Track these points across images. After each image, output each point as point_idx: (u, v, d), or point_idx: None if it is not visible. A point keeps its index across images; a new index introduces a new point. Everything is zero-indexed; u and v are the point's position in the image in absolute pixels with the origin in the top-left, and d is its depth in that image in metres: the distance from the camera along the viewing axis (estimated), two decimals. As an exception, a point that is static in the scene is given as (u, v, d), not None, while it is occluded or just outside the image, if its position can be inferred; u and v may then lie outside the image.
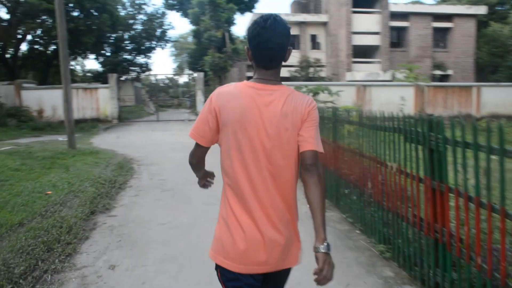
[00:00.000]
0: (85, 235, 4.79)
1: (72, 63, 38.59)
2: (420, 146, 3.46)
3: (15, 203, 5.75)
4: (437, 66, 29.80)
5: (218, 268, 1.84)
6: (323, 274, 1.63)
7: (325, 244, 1.68)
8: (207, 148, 1.92)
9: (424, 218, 3.36)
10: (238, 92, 1.80)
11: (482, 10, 30.31)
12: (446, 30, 30.58)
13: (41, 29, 23.29)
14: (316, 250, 1.67)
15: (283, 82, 1.85)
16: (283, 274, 1.96)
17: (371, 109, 17.38)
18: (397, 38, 30.52)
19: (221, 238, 1.82)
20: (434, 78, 28.06)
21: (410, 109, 19.38)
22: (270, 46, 1.77)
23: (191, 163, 2.03)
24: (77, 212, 5.44)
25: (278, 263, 1.82)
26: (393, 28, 29.63)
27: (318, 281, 1.64)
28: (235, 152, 1.79)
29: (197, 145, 1.90)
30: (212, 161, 2.47)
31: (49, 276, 3.66)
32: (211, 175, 2.22)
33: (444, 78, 29.38)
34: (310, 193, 1.77)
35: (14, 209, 5.49)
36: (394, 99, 18.60)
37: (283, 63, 1.86)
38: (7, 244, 4.26)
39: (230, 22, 30.13)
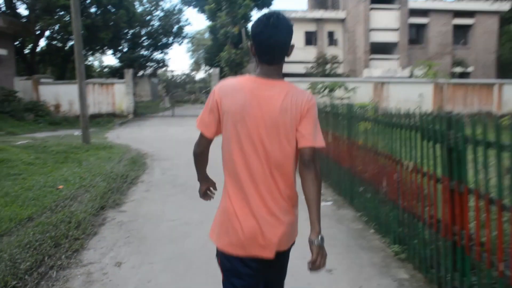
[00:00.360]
0: (94, 230, 4.73)
1: (90, 58, 39.03)
2: (438, 145, 3.29)
3: (26, 197, 5.74)
4: (457, 63, 29.14)
5: (218, 254, 1.95)
6: (316, 264, 1.80)
7: (320, 237, 1.81)
8: (211, 140, 1.99)
9: (442, 219, 3.20)
10: (240, 85, 1.87)
11: (505, 6, 29.49)
12: (467, 27, 29.85)
13: (58, 25, 23.45)
14: (311, 243, 1.80)
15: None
16: (285, 257, 2.07)
17: (389, 106, 17.09)
18: (416, 35, 29.95)
19: (221, 224, 1.92)
20: (454, 75, 27.46)
21: (428, 106, 18.97)
22: (273, 43, 1.84)
23: (195, 153, 2.08)
24: (87, 207, 5.40)
25: (277, 248, 1.88)
26: (412, 25, 29.08)
27: (312, 269, 1.82)
28: (235, 143, 1.86)
29: (201, 135, 1.98)
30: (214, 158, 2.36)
31: (55, 273, 3.61)
32: (212, 184, 2.28)
33: (464, 75, 28.70)
34: (307, 188, 1.86)
35: (25, 203, 5.48)
36: (412, 96, 18.26)
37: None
38: (15, 238, 4.22)
39: (246, 18, 29.95)
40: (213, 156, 2.16)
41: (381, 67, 28.18)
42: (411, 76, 25.56)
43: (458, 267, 3.01)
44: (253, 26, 1.88)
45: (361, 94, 17.38)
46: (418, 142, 3.64)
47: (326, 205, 5.70)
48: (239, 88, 1.86)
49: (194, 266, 3.73)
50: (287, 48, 1.89)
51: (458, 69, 28.77)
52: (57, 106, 20.83)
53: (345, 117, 5.90)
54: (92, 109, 20.96)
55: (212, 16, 28.92)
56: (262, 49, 1.86)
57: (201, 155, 2.08)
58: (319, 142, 1.87)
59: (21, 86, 20.61)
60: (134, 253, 4.09)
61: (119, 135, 14.94)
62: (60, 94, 20.70)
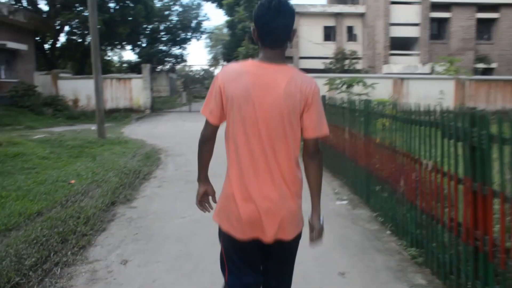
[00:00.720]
0: (102, 226, 4.66)
1: (109, 54, 39.34)
2: (460, 143, 3.08)
3: (38, 192, 5.72)
4: (480, 59, 28.32)
5: (221, 234, 2.01)
6: (316, 240, 2.06)
7: (321, 218, 2.04)
8: (216, 127, 1.98)
9: (463, 223, 2.99)
10: (243, 70, 1.88)
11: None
12: (491, 21, 28.95)
13: (77, 20, 23.64)
14: (312, 223, 2.04)
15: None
16: (287, 249, 2.03)
17: (408, 103, 16.70)
18: (438, 30, 29.23)
19: (223, 208, 1.96)
20: (477, 71, 26.74)
21: (449, 103, 18.48)
22: (274, 26, 1.84)
23: (200, 141, 2.05)
24: (97, 203, 5.33)
25: (276, 234, 1.90)
26: (433, 20, 28.40)
27: (311, 244, 2.06)
28: (238, 128, 1.86)
29: (206, 122, 1.97)
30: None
31: (59, 270, 3.53)
32: (212, 191, 2.20)
33: (487, 71, 27.88)
34: (310, 175, 1.99)
35: (36, 198, 5.45)
36: (433, 93, 17.79)
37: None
38: (22, 233, 4.17)
39: (264, 13, 29.64)
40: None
41: (401, 63, 27.69)
42: (431, 72, 25.02)
43: (480, 274, 2.80)
44: (255, 10, 1.89)
45: (380, 90, 16.97)
46: (438, 140, 3.43)
47: (341, 204, 5.51)
48: (242, 73, 1.86)
49: (200, 266, 3.60)
50: (289, 32, 1.89)
51: (481, 65, 27.96)
52: (76, 101, 21.02)
53: (362, 113, 5.69)
54: (109, 104, 21.12)
55: (230, 11, 28.84)
56: (264, 33, 1.87)
57: (207, 143, 2.04)
58: (324, 130, 1.92)
59: (41, 80, 20.86)
60: (141, 251, 3.99)
61: (135, 130, 14.97)
62: (78, 89, 20.86)
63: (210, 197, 2.22)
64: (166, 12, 37.80)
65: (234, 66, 1.92)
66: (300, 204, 1.97)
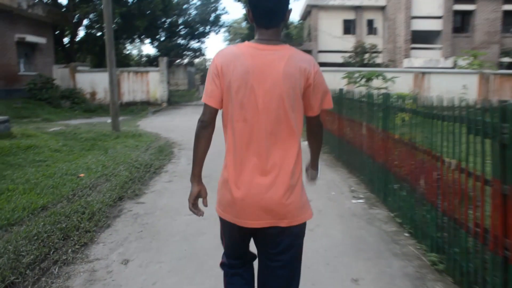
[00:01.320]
0: (107, 223, 4.50)
1: (129, 47, 39.50)
2: (488, 140, 2.79)
3: (45, 185, 5.60)
4: (506, 52, 27.36)
5: (221, 221, 2.03)
6: (309, 183, 2.28)
7: (317, 170, 2.29)
8: (216, 111, 1.89)
9: (490, 229, 2.71)
10: (240, 52, 1.82)
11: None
12: (518, 13, 27.99)
13: (94, 13, 23.69)
14: (308, 171, 2.29)
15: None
16: (284, 238, 1.89)
17: (430, 96, 16.22)
18: (461, 23, 28.37)
19: (219, 192, 1.96)
20: (502, 65, 25.87)
21: (472, 98, 17.90)
22: (269, 5, 1.79)
23: (199, 128, 1.92)
24: (104, 197, 5.19)
25: (269, 220, 1.83)
26: (457, 12, 27.58)
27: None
28: (237, 111, 1.81)
29: (205, 106, 1.89)
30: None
31: (57, 268, 3.37)
32: (204, 192, 2.07)
33: (513, 65, 27.00)
34: (311, 142, 2.14)
35: (43, 192, 5.33)
36: (455, 87, 17.25)
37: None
38: (24, 229, 4.03)
39: (283, 6, 29.30)
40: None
41: (422, 57, 26.99)
42: (454, 66, 24.29)
43: (510, 287, 2.52)
44: None
45: (400, 84, 16.49)
46: (463, 136, 3.13)
47: (357, 202, 5.24)
48: (239, 55, 1.80)
49: (205, 268, 3.40)
50: (284, 11, 1.84)
51: (507, 59, 27.03)
52: (93, 94, 21.11)
53: (380, 107, 5.39)
54: (126, 97, 21.17)
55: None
56: (258, 13, 1.82)
57: (206, 129, 1.91)
58: (326, 104, 1.94)
59: (59, 74, 21.01)
60: (144, 250, 3.80)
61: (151, 123, 14.88)
62: (96, 82, 20.93)
63: (201, 200, 2.05)
64: (185, 6, 37.64)
65: (230, 49, 1.86)
66: (298, 192, 1.87)
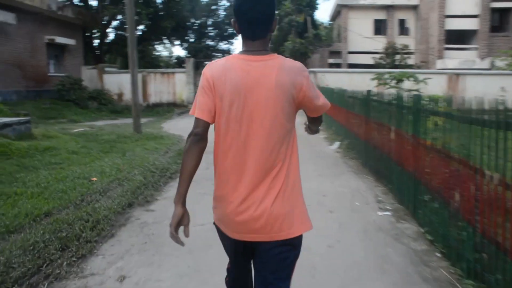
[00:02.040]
0: (111, 232, 4.22)
1: (159, 48, 39.81)
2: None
3: (55, 189, 5.39)
4: (548, 53, 26.00)
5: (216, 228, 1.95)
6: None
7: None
8: (208, 125, 1.79)
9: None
10: (230, 64, 1.77)
11: None
12: (561, 11, 26.53)
13: (122, 15, 23.85)
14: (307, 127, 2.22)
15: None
16: (278, 252, 1.78)
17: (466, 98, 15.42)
18: (499, 22, 27.11)
19: (214, 203, 1.89)
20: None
21: (511, 101, 16.96)
22: (254, 16, 1.75)
23: (191, 142, 1.77)
24: (113, 204, 4.92)
25: (259, 233, 1.76)
26: (494, 10, 26.41)
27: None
28: (230, 124, 1.75)
29: (197, 120, 1.78)
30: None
31: (47, 285, 3.09)
32: (187, 217, 1.85)
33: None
34: (311, 126, 2.17)
35: (51, 196, 5.11)
36: (493, 89, 16.34)
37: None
38: (22, 237, 3.78)
39: (312, 6, 28.95)
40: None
41: (456, 58, 25.94)
42: (491, 67, 23.21)
43: None
44: (234, 1, 1.80)
45: (433, 86, 15.73)
46: (509, 145, 2.67)
47: (383, 215, 4.78)
48: (229, 67, 1.76)
49: (208, 287, 3.05)
50: (270, 22, 1.80)
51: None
52: (120, 95, 21.19)
53: (410, 110, 4.92)
54: (153, 99, 21.18)
55: (276, 4, 28.24)
56: (243, 24, 1.79)
57: (199, 143, 1.77)
58: (325, 107, 1.92)
59: (88, 75, 21.21)
60: (145, 264, 3.49)
61: (175, 125, 14.73)
62: (123, 83, 20.97)
63: (182, 228, 1.81)
64: (213, 7, 37.67)
65: (220, 62, 1.81)
66: (293, 205, 1.78)
